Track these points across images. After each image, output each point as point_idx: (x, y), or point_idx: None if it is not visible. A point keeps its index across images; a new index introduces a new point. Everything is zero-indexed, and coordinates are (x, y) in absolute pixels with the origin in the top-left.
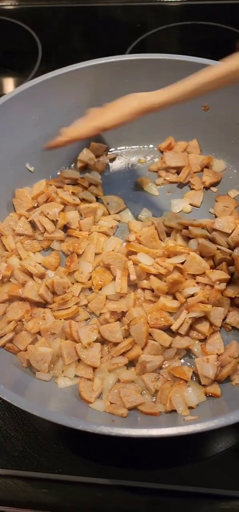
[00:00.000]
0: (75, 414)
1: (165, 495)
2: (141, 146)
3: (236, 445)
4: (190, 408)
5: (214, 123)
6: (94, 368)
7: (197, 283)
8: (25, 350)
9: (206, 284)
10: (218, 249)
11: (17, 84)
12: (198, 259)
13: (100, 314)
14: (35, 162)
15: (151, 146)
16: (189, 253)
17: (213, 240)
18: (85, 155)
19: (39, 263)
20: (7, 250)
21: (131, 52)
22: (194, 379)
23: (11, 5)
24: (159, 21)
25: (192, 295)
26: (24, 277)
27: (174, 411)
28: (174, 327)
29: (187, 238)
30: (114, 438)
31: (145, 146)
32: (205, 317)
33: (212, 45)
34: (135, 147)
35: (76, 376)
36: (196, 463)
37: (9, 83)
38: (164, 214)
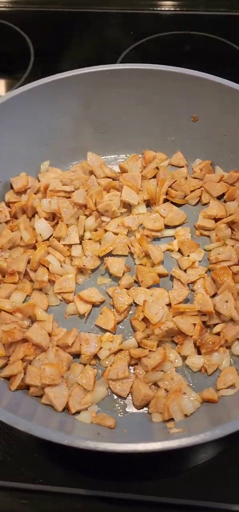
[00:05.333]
0: (62, 426)
1: (146, 506)
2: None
3: (218, 456)
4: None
5: (202, 134)
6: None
7: None
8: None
9: None
10: None
11: (8, 87)
12: None
13: None
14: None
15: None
16: None
17: None
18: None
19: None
20: None
21: (124, 59)
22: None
23: (4, 7)
24: (153, 30)
25: None
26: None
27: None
28: None
29: None
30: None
31: (127, 155)
32: None
33: (204, 56)
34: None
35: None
36: (178, 474)
37: (0, 85)
38: None
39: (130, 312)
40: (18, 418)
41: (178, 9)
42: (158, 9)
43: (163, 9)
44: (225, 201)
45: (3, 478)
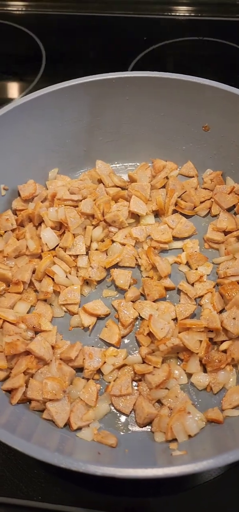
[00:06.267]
0: (62, 443)
1: None
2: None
3: (221, 476)
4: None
5: (213, 143)
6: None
7: None
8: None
9: None
10: None
11: (20, 90)
12: None
13: None
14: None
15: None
16: None
17: None
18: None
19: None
20: None
21: (136, 64)
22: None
23: (17, 10)
24: (166, 35)
25: None
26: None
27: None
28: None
29: None
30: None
31: (137, 163)
32: None
33: (218, 63)
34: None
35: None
36: (182, 493)
37: (12, 89)
38: None
39: (136, 325)
40: (16, 438)
41: (192, 14)
42: (172, 14)
43: (177, 14)
44: (235, 214)
45: (1, 494)
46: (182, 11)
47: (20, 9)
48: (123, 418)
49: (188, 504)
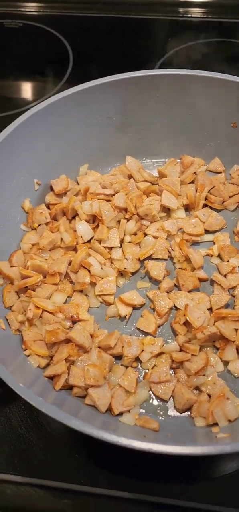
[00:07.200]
0: (106, 427)
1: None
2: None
3: None
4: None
5: None
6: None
7: None
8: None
9: None
10: None
11: (48, 90)
12: None
13: None
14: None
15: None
16: None
17: None
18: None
19: None
20: None
21: (161, 66)
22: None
23: (43, 11)
24: (190, 36)
25: None
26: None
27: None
28: None
29: None
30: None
31: (165, 159)
32: None
33: None
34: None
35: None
36: (214, 480)
37: (40, 89)
38: None
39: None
40: (71, 418)
41: (215, 16)
42: (197, 16)
43: (202, 15)
44: None
45: (45, 477)
46: (206, 13)
47: (46, 10)
48: (161, 404)
49: (218, 493)
